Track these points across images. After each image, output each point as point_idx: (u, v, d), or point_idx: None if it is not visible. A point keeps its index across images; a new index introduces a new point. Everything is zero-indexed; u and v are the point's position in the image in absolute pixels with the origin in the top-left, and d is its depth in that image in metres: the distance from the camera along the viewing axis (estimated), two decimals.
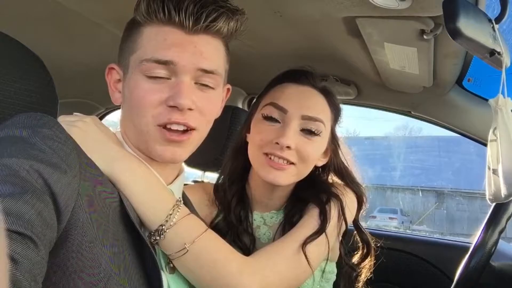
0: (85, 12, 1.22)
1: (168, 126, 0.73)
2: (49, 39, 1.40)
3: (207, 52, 0.74)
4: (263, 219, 1.09)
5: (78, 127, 0.73)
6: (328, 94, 1.05)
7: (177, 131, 0.73)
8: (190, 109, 0.73)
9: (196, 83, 0.74)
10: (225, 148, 1.37)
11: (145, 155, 0.78)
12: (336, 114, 1.08)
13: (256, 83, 1.68)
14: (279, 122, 1.00)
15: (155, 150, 0.75)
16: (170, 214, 0.75)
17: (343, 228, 1.02)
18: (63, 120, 0.73)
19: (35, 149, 0.59)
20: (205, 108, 0.75)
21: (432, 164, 15.90)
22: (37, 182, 0.55)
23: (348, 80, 1.53)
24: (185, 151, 0.77)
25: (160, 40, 0.71)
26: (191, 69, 0.72)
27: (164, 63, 0.71)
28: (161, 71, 0.71)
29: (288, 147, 0.97)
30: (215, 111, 0.81)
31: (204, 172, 1.62)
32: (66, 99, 1.90)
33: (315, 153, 1.02)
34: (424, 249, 1.74)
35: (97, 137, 0.74)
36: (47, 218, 0.54)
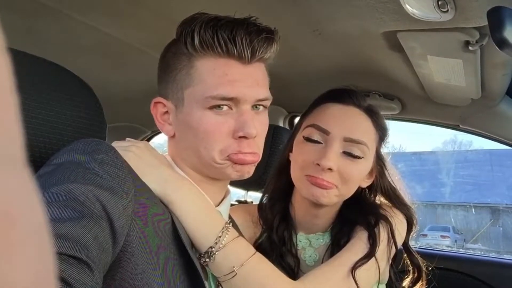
0: (130, 40, 1.27)
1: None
2: (97, 67, 1.47)
3: (261, 80, 0.77)
4: (309, 241, 1.06)
5: (132, 152, 0.75)
6: (373, 114, 1.01)
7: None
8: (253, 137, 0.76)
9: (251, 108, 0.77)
10: (267, 167, 1.36)
11: (203, 175, 0.79)
12: (382, 135, 1.04)
13: (296, 102, 1.68)
14: (321, 143, 0.98)
15: (227, 175, 0.78)
16: (219, 237, 0.75)
17: (393, 251, 0.98)
18: (117, 145, 0.76)
19: (93, 174, 0.61)
20: (262, 132, 0.79)
21: (484, 179, 15.13)
22: (95, 206, 0.57)
23: (391, 95, 1.50)
24: (253, 170, 0.80)
25: (221, 75, 0.73)
26: (252, 100, 0.75)
27: (230, 99, 0.73)
28: (224, 105, 0.74)
29: (329, 169, 0.94)
30: (266, 131, 0.84)
31: (247, 191, 1.62)
32: (114, 124, 1.97)
33: (358, 175, 0.99)
34: (480, 269, 1.64)
35: (150, 161, 0.76)
36: (102, 243, 0.56)
